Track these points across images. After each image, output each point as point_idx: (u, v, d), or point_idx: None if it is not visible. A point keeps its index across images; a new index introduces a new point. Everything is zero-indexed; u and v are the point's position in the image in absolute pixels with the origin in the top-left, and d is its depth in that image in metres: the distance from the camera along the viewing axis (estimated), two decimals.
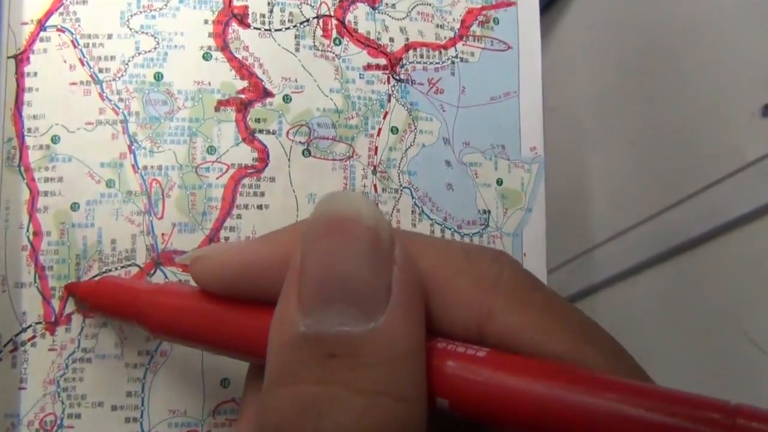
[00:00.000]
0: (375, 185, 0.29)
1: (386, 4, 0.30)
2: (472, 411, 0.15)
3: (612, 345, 0.16)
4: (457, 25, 0.31)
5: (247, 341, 0.18)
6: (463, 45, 0.31)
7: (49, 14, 0.28)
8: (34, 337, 0.26)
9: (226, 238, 0.27)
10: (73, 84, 0.27)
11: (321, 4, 0.29)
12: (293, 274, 0.15)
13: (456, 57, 0.31)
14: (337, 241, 0.15)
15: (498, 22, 0.32)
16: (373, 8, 0.30)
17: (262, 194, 0.28)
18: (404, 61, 0.30)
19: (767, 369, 0.39)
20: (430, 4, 0.30)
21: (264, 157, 0.28)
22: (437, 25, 0.30)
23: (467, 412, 0.15)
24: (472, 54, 0.31)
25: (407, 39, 0.30)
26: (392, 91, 0.30)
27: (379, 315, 0.14)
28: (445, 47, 0.31)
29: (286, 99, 0.28)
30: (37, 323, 0.26)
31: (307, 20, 0.29)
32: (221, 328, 0.19)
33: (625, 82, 0.50)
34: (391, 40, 0.30)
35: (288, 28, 0.29)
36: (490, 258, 0.17)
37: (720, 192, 0.42)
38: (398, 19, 0.30)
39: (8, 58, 0.27)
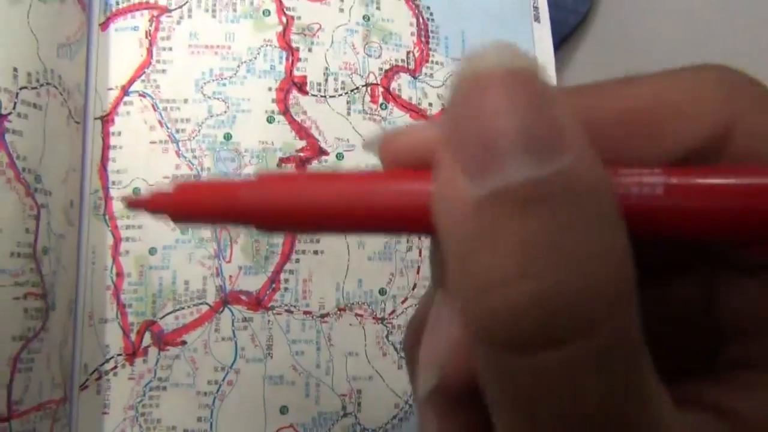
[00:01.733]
0: None
1: (425, 74, 0.34)
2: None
3: None
4: None
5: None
6: None
7: (132, 81, 0.31)
8: (115, 367, 0.29)
9: (286, 281, 0.31)
10: (153, 143, 0.31)
11: (369, 74, 0.33)
12: (445, 147, 0.14)
13: None
14: (491, 94, 0.13)
15: None
16: (414, 78, 0.34)
17: (318, 241, 0.31)
18: None
19: None
20: None
21: None
22: None
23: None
24: None
25: (443, 104, 0.34)
26: None
27: (564, 155, 0.13)
28: None
29: (339, 157, 0.32)
30: (118, 355, 0.30)
31: (357, 88, 0.33)
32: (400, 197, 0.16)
33: None
34: (430, 104, 0.34)
35: (340, 95, 0.33)
36: (709, 67, 0.15)
37: None
38: (435, 87, 0.34)
39: (95, 119, 0.31)
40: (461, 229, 0.13)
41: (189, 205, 0.20)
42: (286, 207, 0.18)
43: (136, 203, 0.21)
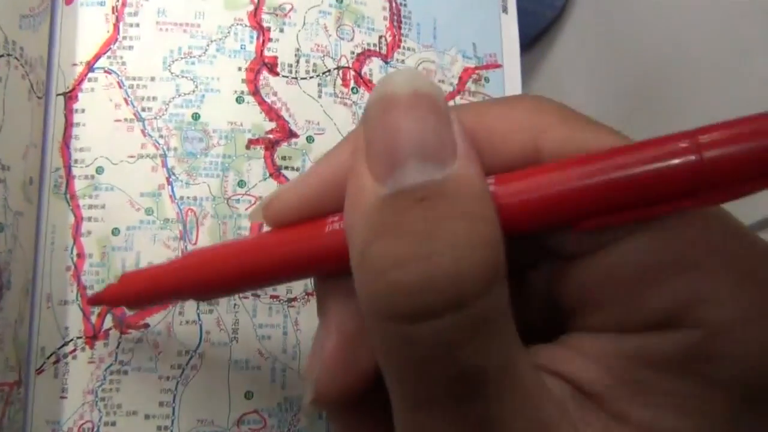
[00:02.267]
0: None
1: (397, 59, 0.34)
2: (535, 217, 0.17)
3: (624, 135, 0.18)
4: (456, 81, 0.35)
5: (317, 252, 0.19)
6: (461, 98, 0.35)
7: (97, 57, 0.31)
8: (75, 350, 0.29)
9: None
10: (118, 121, 0.30)
11: (341, 57, 0.33)
12: (359, 154, 0.16)
13: None
14: (399, 112, 0.16)
15: (488, 81, 0.36)
16: (386, 62, 0.34)
17: None
18: None
19: None
20: (433, 62, 0.35)
21: None
22: (439, 80, 0.34)
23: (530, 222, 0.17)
24: None
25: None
26: None
27: (452, 163, 0.16)
28: (446, 99, 0.35)
29: (309, 140, 0.32)
30: (78, 338, 0.29)
31: (329, 71, 0.33)
32: (289, 254, 0.20)
33: (611, 116, 0.54)
34: None
35: (312, 77, 0.32)
36: (527, 95, 0.19)
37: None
38: None
39: (58, 95, 0.30)
40: (367, 222, 0.16)
41: (131, 293, 0.25)
42: (208, 282, 0.22)
43: (94, 301, 0.27)
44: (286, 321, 0.30)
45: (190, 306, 0.29)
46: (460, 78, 0.35)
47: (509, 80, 0.36)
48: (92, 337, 0.29)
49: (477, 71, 0.36)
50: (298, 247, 0.20)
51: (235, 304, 0.30)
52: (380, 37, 0.34)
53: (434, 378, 0.16)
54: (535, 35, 0.55)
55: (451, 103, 0.35)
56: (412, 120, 0.16)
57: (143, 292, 0.25)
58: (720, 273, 0.17)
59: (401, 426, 0.17)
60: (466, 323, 0.15)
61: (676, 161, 0.16)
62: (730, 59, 0.44)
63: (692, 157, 0.15)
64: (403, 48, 0.34)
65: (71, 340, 0.29)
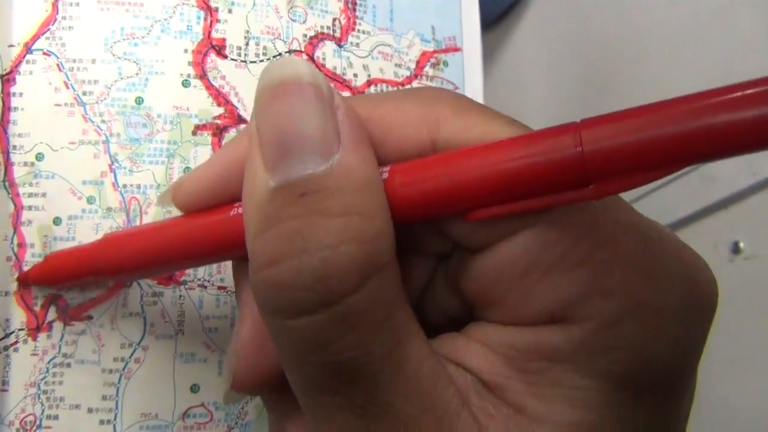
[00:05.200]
0: None
1: (351, 43, 0.33)
2: (431, 207, 0.18)
3: (525, 126, 0.19)
4: (413, 65, 0.34)
5: (222, 237, 0.20)
6: (418, 83, 0.34)
7: (35, 38, 0.29)
8: (16, 342, 0.28)
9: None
10: (58, 105, 0.29)
11: (293, 40, 0.32)
12: (254, 142, 0.17)
13: None
14: (283, 101, 0.16)
15: (447, 65, 0.35)
16: (340, 46, 0.33)
17: None
18: None
19: (702, 358, 0.43)
20: (389, 45, 0.33)
21: None
22: (396, 65, 0.33)
23: (427, 212, 0.18)
24: None
25: (369, 75, 0.33)
26: None
27: (335, 154, 0.16)
28: (403, 84, 0.34)
29: None
30: (20, 329, 0.28)
31: (280, 54, 0.32)
32: (197, 237, 0.21)
33: (574, 95, 0.54)
34: (355, 75, 0.33)
35: (262, 61, 0.31)
36: (427, 87, 0.19)
37: (666, 195, 0.46)
38: (361, 57, 0.33)
39: None
40: (255, 214, 0.16)
41: (55, 272, 0.26)
42: (121, 262, 0.23)
43: (22, 279, 0.28)
44: (233, 312, 0.30)
45: (133, 298, 0.29)
46: (418, 62, 0.34)
47: (469, 64, 0.35)
48: (35, 328, 0.28)
49: (435, 55, 0.34)
50: (205, 231, 0.20)
51: (180, 296, 0.29)
52: (334, 19, 0.33)
53: (315, 367, 0.17)
54: (496, 17, 0.54)
55: (409, 88, 0.34)
56: (296, 109, 0.16)
57: (66, 271, 0.26)
58: (608, 268, 0.17)
59: (300, 403, 0.18)
60: (337, 319, 0.16)
61: (558, 154, 0.16)
62: (681, 42, 0.44)
63: (574, 150, 0.15)
64: (358, 31, 0.33)
65: (12, 332, 0.28)
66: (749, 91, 0.14)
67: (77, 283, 0.28)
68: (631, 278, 0.17)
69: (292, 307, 0.16)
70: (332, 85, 0.18)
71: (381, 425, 0.17)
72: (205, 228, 0.20)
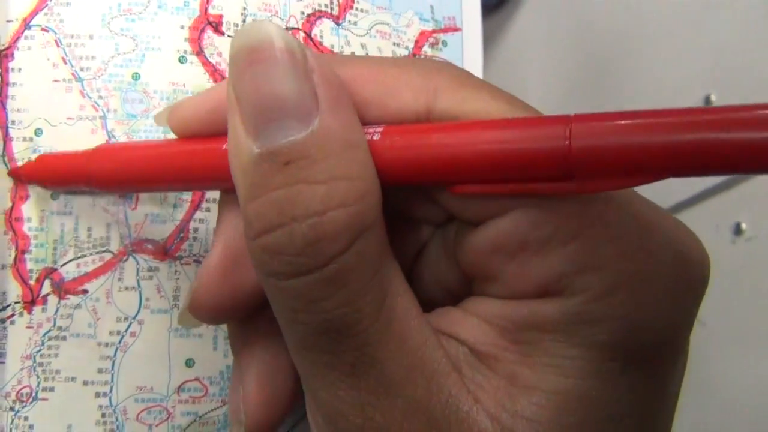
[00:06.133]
0: None
1: (349, 21, 0.33)
2: (416, 174, 0.18)
3: (524, 104, 0.19)
4: (411, 45, 0.34)
5: (212, 167, 0.20)
6: None
7: (33, 14, 0.29)
8: (12, 315, 0.28)
9: (195, 230, 0.30)
10: (56, 81, 0.29)
11: (290, 17, 0.32)
12: (232, 108, 0.17)
13: None
14: (258, 67, 0.17)
15: (446, 45, 0.35)
16: (337, 24, 0.32)
17: None
18: None
19: (705, 339, 0.43)
20: (387, 24, 0.33)
21: None
22: (394, 44, 0.33)
23: (414, 177, 0.18)
24: None
25: (367, 54, 0.33)
26: None
27: (314, 118, 0.16)
28: None
29: None
30: (15, 302, 0.28)
31: None
32: (188, 162, 0.21)
33: (571, 77, 0.54)
34: (353, 53, 0.33)
35: None
36: (431, 59, 0.20)
37: (660, 183, 0.46)
38: (359, 36, 0.33)
39: None
40: (244, 178, 0.17)
41: (47, 172, 0.27)
42: (112, 173, 0.23)
43: (13, 174, 0.28)
44: None
45: (129, 272, 0.29)
46: (416, 42, 0.34)
47: (469, 45, 0.35)
48: (30, 302, 0.28)
49: (434, 35, 0.34)
50: (197, 158, 0.21)
51: (176, 271, 0.29)
52: None
53: (306, 325, 0.17)
54: (497, 1, 0.54)
55: None
56: (271, 75, 0.17)
57: (58, 175, 0.27)
58: (600, 242, 0.18)
59: (295, 363, 0.19)
60: (327, 278, 0.17)
61: (545, 144, 0.16)
62: (676, 34, 0.43)
63: (562, 143, 0.15)
64: (356, 9, 0.33)
65: (9, 305, 0.28)
66: (736, 115, 0.14)
67: (69, 189, 0.28)
68: (622, 252, 0.18)
69: (285, 270, 0.17)
70: (307, 47, 0.18)
71: (369, 382, 0.17)
72: (197, 155, 0.21)
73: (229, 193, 0.22)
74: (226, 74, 0.31)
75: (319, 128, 0.16)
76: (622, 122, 0.15)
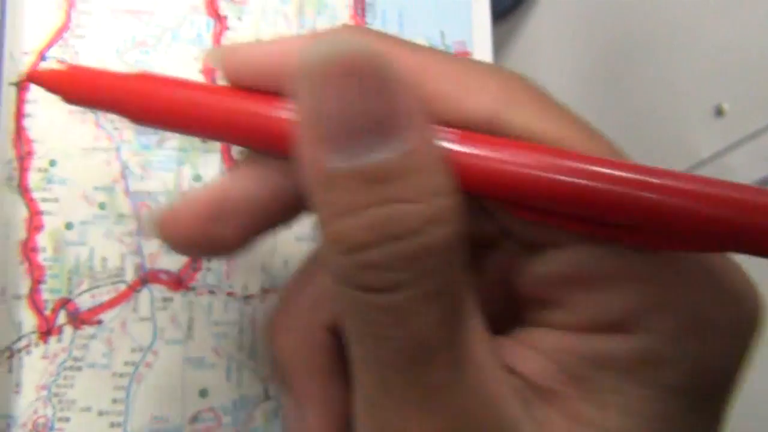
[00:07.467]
0: None
1: None
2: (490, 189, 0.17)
3: (607, 141, 0.19)
4: None
5: (260, 128, 0.19)
6: None
7: (49, 46, 0.30)
8: (28, 345, 0.28)
9: (209, 260, 0.30)
10: (71, 112, 0.29)
11: None
12: (309, 121, 0.16)
13: None
14: (342, 81, 0.16)
15: None
16: None
17: None
18: None
19: None
20: None
21: None
22: None
23: (483, 191, 0.17)
24: None
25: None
26: None
27: (402, 136, 0.16)
28: None
29: None
30: (31, 333, 0.29)
31: None
32: (236, 115, 0.19)
33: (583, 85, 0.53)
34: None
35: None
36: (508, 70, 0.19)
37: None
38: None
39: (9, 84, 0.29)
40: (325, 195, 0.16)
41: (78, 85, 0.23)
42: (150, 107, 0.20)
43: (33, 77, 0.24)
44: (242, 318, 0.30)
45: (144, 302, 0.29)
46: None
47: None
48: (46, 332, 0.29)
49: None
50: (246, 114, 0.19)
51: (190, 301, 0.30)
52: (343, 26, 0.33)
53: (389, 342, 0.17)
54: (507, 8, 0.53)
55: None
56: (360, 90, 0.16)
57: (86, 92, 0.23)
58: (671, 283, 0.17)
59: (361, 384, 0.18)
60: (424, 295, 0.16)
61: (632, 193, 0.16)
62: (693, 35, 0.43)
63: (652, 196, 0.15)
64: None
65: (25, 335, 0.29)
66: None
67: (88, 106, 0.24)
68: (692, 295, 0.18)
69: (383, 285, 0.16)
70: (390, 55, 0.16)
71: (447, 409, 0.17)
72: (247, 112, 0.19)
73: (259, 153, 0.20)
74: None
75: (410, 146, 0.16)
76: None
